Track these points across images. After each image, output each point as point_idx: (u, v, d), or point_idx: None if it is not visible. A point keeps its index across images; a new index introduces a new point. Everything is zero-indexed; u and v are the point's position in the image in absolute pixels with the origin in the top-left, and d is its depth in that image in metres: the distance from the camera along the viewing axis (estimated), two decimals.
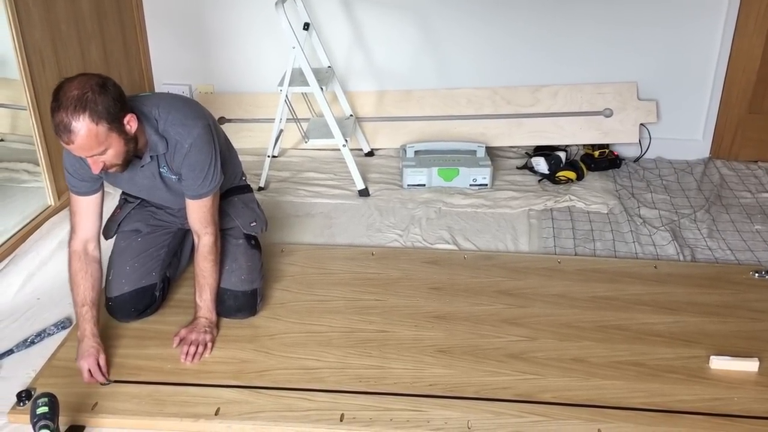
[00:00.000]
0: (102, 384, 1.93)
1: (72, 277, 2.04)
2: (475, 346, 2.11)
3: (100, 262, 2.09)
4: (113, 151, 1.81)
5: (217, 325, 2.16)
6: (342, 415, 1.83)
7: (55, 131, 1.73)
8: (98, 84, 1.74)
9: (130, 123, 1.82)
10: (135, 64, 3.52)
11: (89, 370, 1.93)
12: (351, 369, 2.01)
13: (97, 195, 2.05)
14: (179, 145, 1.97)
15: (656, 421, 1.82)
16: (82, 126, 1.71)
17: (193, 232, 2.12)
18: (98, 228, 2.08)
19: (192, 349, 2.04)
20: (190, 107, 2.05)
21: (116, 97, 1.77)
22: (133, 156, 1.91)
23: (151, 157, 1.98)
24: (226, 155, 2.20)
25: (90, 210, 2.04)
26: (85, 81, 1.74)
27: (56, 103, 1.72)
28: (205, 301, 2.13)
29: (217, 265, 2.14)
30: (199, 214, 2.08)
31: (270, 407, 1.86)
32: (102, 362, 1.96)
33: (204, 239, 2.10)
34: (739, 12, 3.24)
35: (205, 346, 2.06)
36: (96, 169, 1.83)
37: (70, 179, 2.01)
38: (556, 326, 2.20)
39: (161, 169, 2.04)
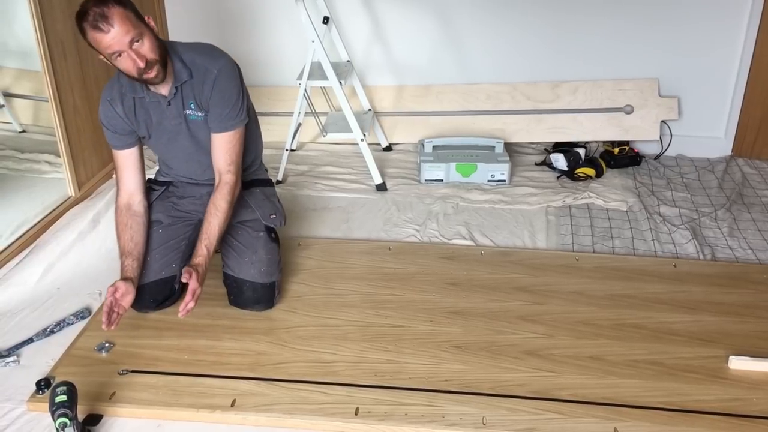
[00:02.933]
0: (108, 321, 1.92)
1: (116, 229, 2.15)
2: (491, 342, 2.11)
3: (143, 216, 2.18)
4: (148, 42, 1.90)
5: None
6: (357, 409, 1.84)
7: (91, 27, 1.83)
8: None
9: (151, 23, 1.94)
10: None
11: (112, 290, 1.96)
12: (366, 363, 2.02)
13: (135, 149, 2.16)
14: (208, 72, 2.05)
15: (673, 421, 1.81)
16: (114, 10, 1.83)
17: (216, 171, 2.14)
18: (141, 182, 2.18)
19: (191, 304, 1.95)
20: (214, 47, 2.15)
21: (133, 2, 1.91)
22: (165, 61, 1.97)
23: (176, 88, 2.04)
24: (252, 118, 2.25)
25: (130, 164, 2.16)
26: None
27: (83, 7, 1.84)
28: (210, 245, 2.05)
29: (231, 210, 2.13)
30: (224, 148, 2.11)
31: (285, 400, 1.87)
32: (124, 302, 1.97)
33: (225, 177, 2.12)
34: (764, 9, 3.19)
35: (197, 299, 1.99)
36: (141, 61, 1.89)
37: (107, 134, 2.14)
38: (573, 324, 2.19)
39: (187, 111, 2.09)
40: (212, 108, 2.08)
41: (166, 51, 1.99)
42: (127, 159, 2.16)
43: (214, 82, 2.05)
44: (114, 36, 1.84)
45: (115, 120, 2.11)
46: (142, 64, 1.90)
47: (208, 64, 2.06)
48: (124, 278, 2.05)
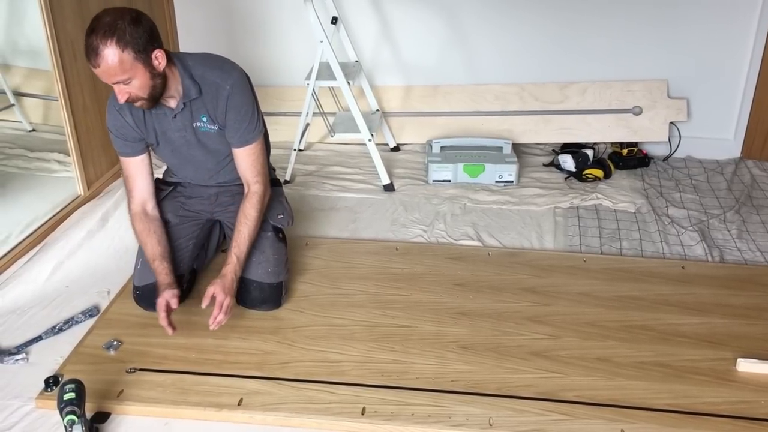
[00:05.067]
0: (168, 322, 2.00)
1: (138, 237, 2.16)
2: (498, 343, 2.10)
3: (160, 220, 2.19)
4: (138, 83, 1.88)
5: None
6: (363, 409, 1.84)
7: (86, 54, 1.83)
8: (132, 15, 1.84)
9: (159, 58, 1.89)
10: None
11: (164, 305, 2.01)
12: (373, 363, 2.02)
13: (144, 156, 2.16)
14: (220, 89, 2.03)
15: (680, 423, 1.80)
16: (109, 51, 1.80)
17: (244, 182, 2.16)
18: (151, 188, 2.19)
19: (221, 317, 1.99)
20: (225, 60, 2.12)
21: (148, 31, 1.86)
22: (160, 93, 1.96)
23: (184, 104, 2.03)
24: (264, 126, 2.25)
25: (140, 171, 2.16)
26: (121, 11, 1.85)
27: (91, 27, 1.83)
28: (240, 252, 2.08)
29: (261, 218, 2.15)
30: (248, 161, 2.12)
31: (292, 399, 1.87)
32: (173, 304, 2.03)
33: (254, 187, 2.14)
34: None
35: (229, 311, 2.02)
36: (121, 98, 1.89)
37: (114, 140, 2.13)
38: (581, 325, 2.19)
39: (197, 123, 2.08)
40: (229, 124, 2.08)
41: (164, 82, 1.94)
42: (137, 166, 2.16)
43: (228, 98, 2.04)
44: (100, 73, 1.84)
45: (124, 128, 2.10)
46: (123, 100, 1.90)
47: (220, 80, 2.04)
48: (163, 284, 2.07)
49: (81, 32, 2.73)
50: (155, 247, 2.13)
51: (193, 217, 2.32)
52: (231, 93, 2.04)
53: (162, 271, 2.10)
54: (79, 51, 2.77)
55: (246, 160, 2.13)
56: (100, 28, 1.80)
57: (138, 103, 1.95)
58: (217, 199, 2.31)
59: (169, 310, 2.02)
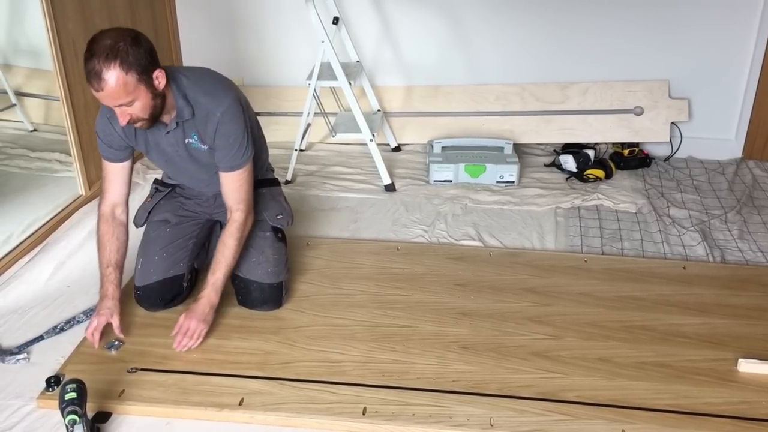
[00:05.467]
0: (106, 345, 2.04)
1: (99, 239, 2.12)
2: (499, 343, 2.10)
3: (126, 226, 2.16)
4: (140, 104, 1.86)
5: (218, 310, 2.13)
6: (364, 409, 1.84)
7: (87, 78, 1.80)
8: (131, 36, 1.81)
9: (159, 78, 1.87)
10: (166, 56, 3.55)
11: (95, 327, 2.01)
12: (374, 363, 2.02)
13: (126, 163, 2.12)
14: (211, 115, 2.00)
15: (681, 424, 1.80)
16: (112, 74, 1.77)
17: (227, 206, 2.14)
18: (125, 194, 2.15)
19: (185, 341, 2.02)
20: (220, 81, 2.08)
21: (148, 51, 1.84)
22: (159, 113, 1.94)
23: (177, 123, 2.01)
24: (257, 137, 2.23)
25: (118, 176, 2.13)
26: (119, 33, 1.81)
27: (89, 51, 1.78)
28: (216, 279, 2.07)
29: (241, 246, 2.13)
30: (232, 187, 2.10)
31: (293, 399, 1.87)
32: (115, 323, 2.04)
33: (235, 215, 2.11)
34: None
35: (198, 337, 2.04)
36: (123, 121, 1.87)
37: (100, 145, 2.09)
38: (582, 325, 2.19)
39: (189, 140, 2.06)
40: (218, 149, 2.05)
41: (163, 101, 1.92)
42: (117, 172, 2.12)
43: (218, 125, 2.00)
44: (103, 97, 1.81)
45: (111, 136, 2.06)
46: (124, 122, 1.88)
47: (212, 107, 1.99)
48: (107, 296, 2.06)
49: (83, 32, 2.75)
50: (113, 254, 2.10)
51: (192, 217, 2.32)
52: (221, 121, 2.00)
53: (113, 281, 2.08)
54: (81, 50, 2.75)
55: (231, 185, 2.10)
56: (100, 51, 1.76)
57: (138, 124, 1.92)
58: (215, 201, 2.31)
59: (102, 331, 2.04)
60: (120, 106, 1.84)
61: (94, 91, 1.81)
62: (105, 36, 1.80)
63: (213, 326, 2.14)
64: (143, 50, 1.82)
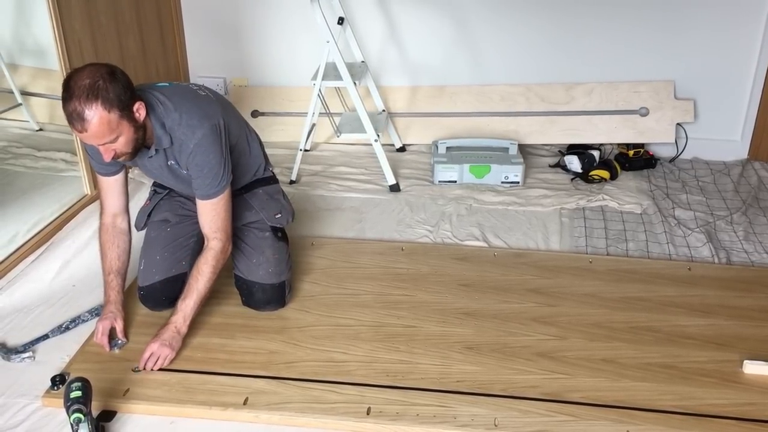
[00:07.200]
0: (113, 347, 2.06)
1: (101, 247, 2.14)
2: (504, 343, 2.10)
3: (128, 234, 2.17)
4: (124, 139, 1.84)
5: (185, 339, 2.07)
6: (369, 409, 1.84)
7: (68, 120, 1.77)
8: (108, 72, 1.78)
9: (139, 111, 1.85)
10: (171, 56, 3.56)
11: (101, 331, 2.04)
12: (378, 363, 2.02)
13: (119, 176, 2.13)
14: (184, 145, 1.97)
15: (686, 425, 1.80)
16: (94, 114, 1.74)
17: (204, 235, 2.09)
18: (124, 203, 2.16)
19: (150, 362, 1.97)
20: (199, 106, 1.99)
21: (126, 85, 1.81)
22: (141, 145, 1.94)
23: (156, 150, 2.00)
24: (243, 150, 2.20)
25: (114, 188, 2.13)
26: (94, 70, 1.77)
27: (67, 93, 1.75)
28: (186, 306, 2.02)
29: (215, 275, 2.07)
30: (209, 216, 2.05)
31: (297, 398, 1.88)
32: (119, 327, 2.06)
33: (212, 243, 2.06)
34: None
35: (163, 360, 1.98)
36: (107, 157, 1.86)
37: (92, 161, 2.10)
38: (586, 326, 2.18)
39: (171, 162, 2.05)
40: (193, 178, 2.02)
41: (144, 132, 1.89)
42: (111, 185, 2.11)
43: (190, 157, 1.97)
44: (87, 137, 1.79)
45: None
46: (109, 159, 1.86)
47: (186, 138, 1.95)
48: (111, 301, 2.08)
49: (88, 31, 2.76)
50: (114, 261, 2.11)
51: (192, 216, 2.31)
52: (194, 152, 1.97)
53: (114, 287, 2.10)
54: (87, 50, 2.79)
55: (207, 214, 2.06)
56: (79, 91, 1.73)
57: (122, 158, 1.91)
58: None
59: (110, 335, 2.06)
60: (104, 144, 1.82)
61: (77, 132, 1.79)
62: (81, 75, 1.75)
63: (217, 326, 2.15)
64: (121, 85, 1.78)
